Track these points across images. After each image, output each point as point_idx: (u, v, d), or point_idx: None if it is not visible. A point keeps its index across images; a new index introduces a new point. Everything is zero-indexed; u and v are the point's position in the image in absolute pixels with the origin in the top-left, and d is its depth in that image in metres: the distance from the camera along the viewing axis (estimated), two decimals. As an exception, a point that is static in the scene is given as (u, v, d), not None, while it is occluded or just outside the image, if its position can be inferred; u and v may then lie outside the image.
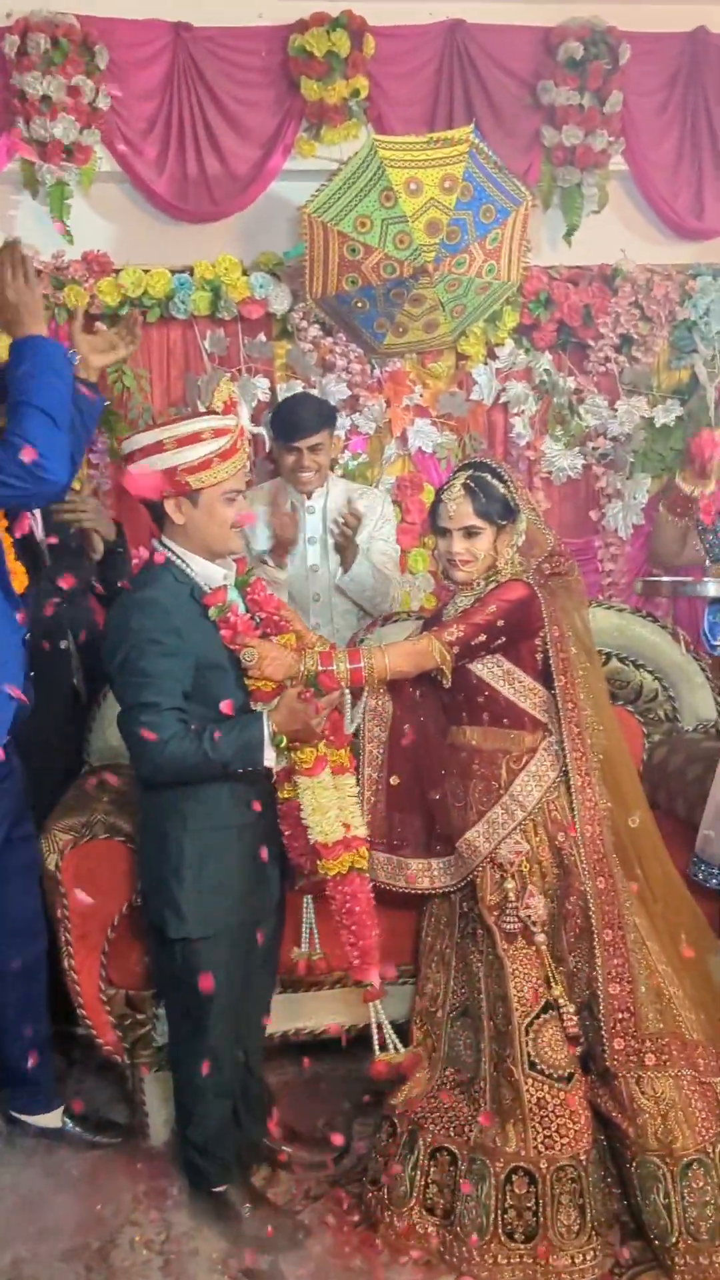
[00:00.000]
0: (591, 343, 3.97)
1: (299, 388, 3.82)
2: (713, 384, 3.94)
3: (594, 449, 4.02)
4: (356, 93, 3.74)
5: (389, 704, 2.68)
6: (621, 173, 3.99)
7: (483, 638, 2.51)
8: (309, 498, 3.49)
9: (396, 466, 3.96)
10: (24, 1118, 2.91)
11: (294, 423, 3.35)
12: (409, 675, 2.56)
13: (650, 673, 3.40)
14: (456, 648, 2.51)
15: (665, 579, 2.57)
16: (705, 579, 2.48)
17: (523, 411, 3.98)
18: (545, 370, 3.96)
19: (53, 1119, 2.92)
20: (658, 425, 3.95)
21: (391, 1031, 2.54)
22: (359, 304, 3.44)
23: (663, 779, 3.14)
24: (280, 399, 3.71)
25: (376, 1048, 2.52)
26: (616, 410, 3.99)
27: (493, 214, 3.33)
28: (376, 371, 3.88)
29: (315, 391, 3.85)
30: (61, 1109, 2.94)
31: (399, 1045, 2.53)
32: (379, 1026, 2.53)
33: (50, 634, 3.12)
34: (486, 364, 3.97)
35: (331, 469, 3.60)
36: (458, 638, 2.51)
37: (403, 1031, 2.74)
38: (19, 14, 3.55)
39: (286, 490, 3.49)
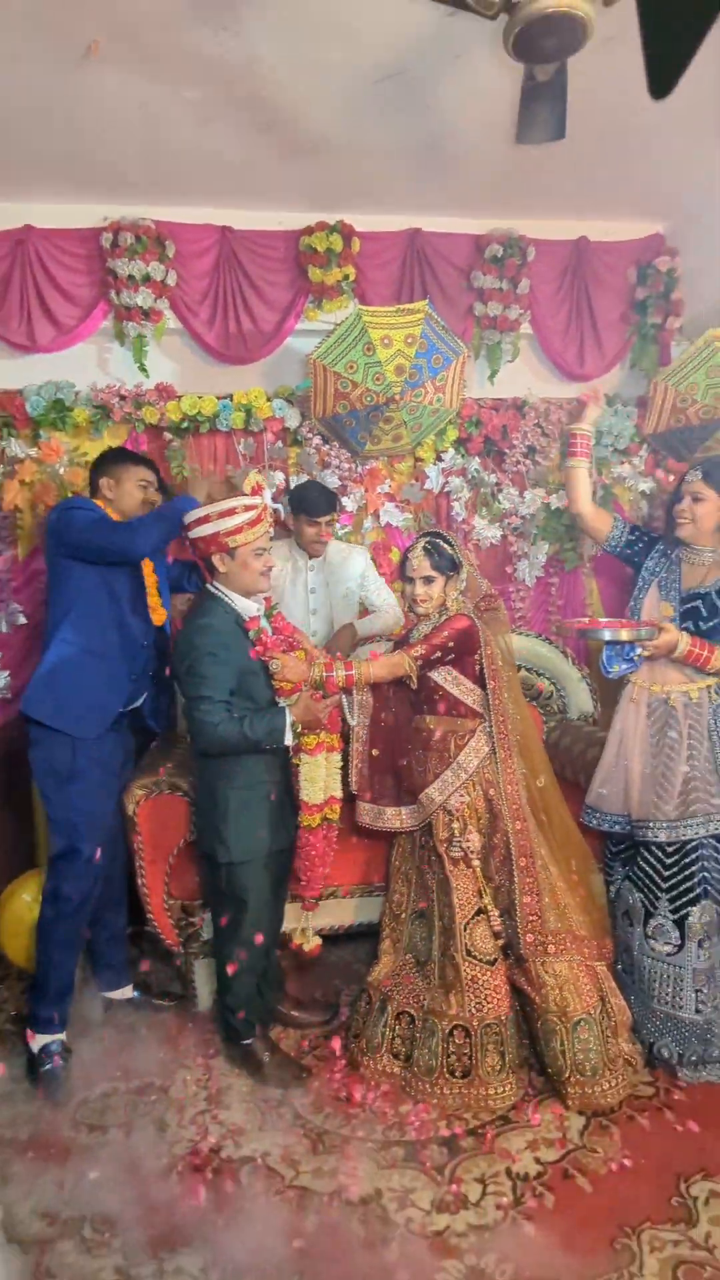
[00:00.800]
0: (507, 451, 3.97)
1: (305, 478, 3.80)
2: (592, 480, 3.96)
3: (508, 524, 4.00)
4: (347, 277, 3.73)
5: (371, 699, 2.67)
6: (529, 335, 4.00)
7: (439, 654, 2.51)
8: (311, 557, 3.45)
9: (372, 535, 3.95)
10: (109, 994, 2.86)
11: (320, 503, 3.26)
12: (386, 680, 2.55)
13: (548, 679, 3.43)
14: (420, 661, 2.50)
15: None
16: (601, 628, 2.48)
17: (460, 498, 3.96)
18: (476, 469, 3.95)
19: (127, 992, 2.89)
20: (553, 508, 3.94)
21: (311, 929, 2.67)
22: (347, 422, 3.43)
23: (556, 754, 3.15)
24: (295, 485, 3.62)
25: (297, 936, 2.66)
26: (524, 498, 3.98)
27: (441, 361, 3.33)
28: (359, 468, 3.86)
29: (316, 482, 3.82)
30: (132, 985, 2.90)
31: (312, 939, 2.67)
32: (303, 929, 2.65)
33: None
34: (436, 464, 3.95)
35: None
36: (421, 654, 2.50)
37: (375, 928, 2.73)
38: (113, 218, 3.53)
39: (291, 549, 3.37)
